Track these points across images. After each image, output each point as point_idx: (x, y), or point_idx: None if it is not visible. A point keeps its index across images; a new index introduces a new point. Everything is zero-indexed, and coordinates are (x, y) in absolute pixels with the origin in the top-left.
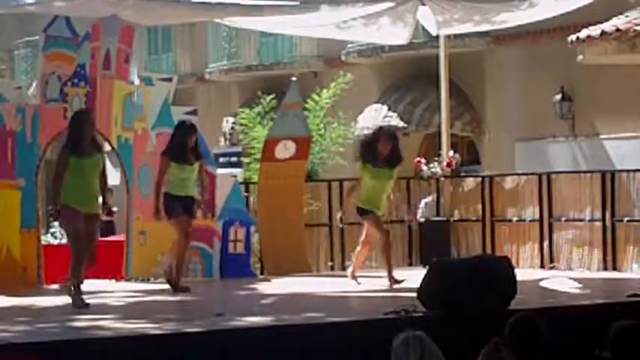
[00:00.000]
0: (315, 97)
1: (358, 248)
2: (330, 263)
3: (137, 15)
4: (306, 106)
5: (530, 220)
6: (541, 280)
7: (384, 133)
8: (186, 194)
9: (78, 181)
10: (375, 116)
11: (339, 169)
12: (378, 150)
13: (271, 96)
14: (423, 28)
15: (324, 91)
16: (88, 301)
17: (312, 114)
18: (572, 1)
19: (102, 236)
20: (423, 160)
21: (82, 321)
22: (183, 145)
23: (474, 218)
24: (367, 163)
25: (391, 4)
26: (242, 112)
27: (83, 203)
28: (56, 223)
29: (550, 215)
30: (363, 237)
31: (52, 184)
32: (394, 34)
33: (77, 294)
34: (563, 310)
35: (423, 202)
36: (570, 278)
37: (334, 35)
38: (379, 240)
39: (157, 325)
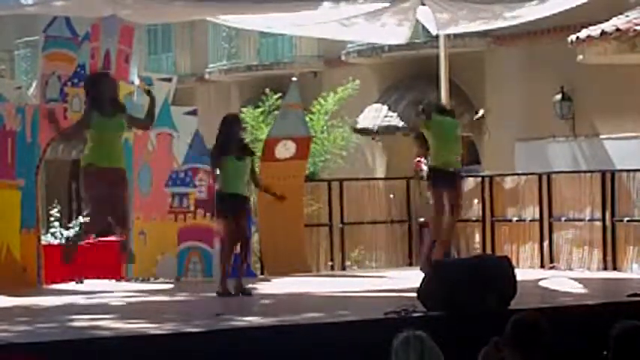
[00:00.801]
0: (321, 100)
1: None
2: (330, 263)
3: (136, 14)
4: (312, 109)
5: (530, 220)
6: (541, 280)
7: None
8: (237, 192)
9: (100, 141)
10: (375, 116)
11: (339, 170)
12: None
13: (278, 95)
14: (423, 27)
15: (331, 94)
16: (88, 301)
17: (317, 116)
18: None
19: (101, 236)
20: (424, 160)
21: (82, 321)
22: (230, 137)
23: (474, 218)
24: (436, 114)
25: (391, 1)
26: (246, 110)
27: (107, 160)
28: (57, 224)
29: (550, 215)
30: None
31: (71, 130)
32: (394, 32)
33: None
34: (563, 310)
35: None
36: (570, 278)
37: (334, 34)
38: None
39: (157, 325)
